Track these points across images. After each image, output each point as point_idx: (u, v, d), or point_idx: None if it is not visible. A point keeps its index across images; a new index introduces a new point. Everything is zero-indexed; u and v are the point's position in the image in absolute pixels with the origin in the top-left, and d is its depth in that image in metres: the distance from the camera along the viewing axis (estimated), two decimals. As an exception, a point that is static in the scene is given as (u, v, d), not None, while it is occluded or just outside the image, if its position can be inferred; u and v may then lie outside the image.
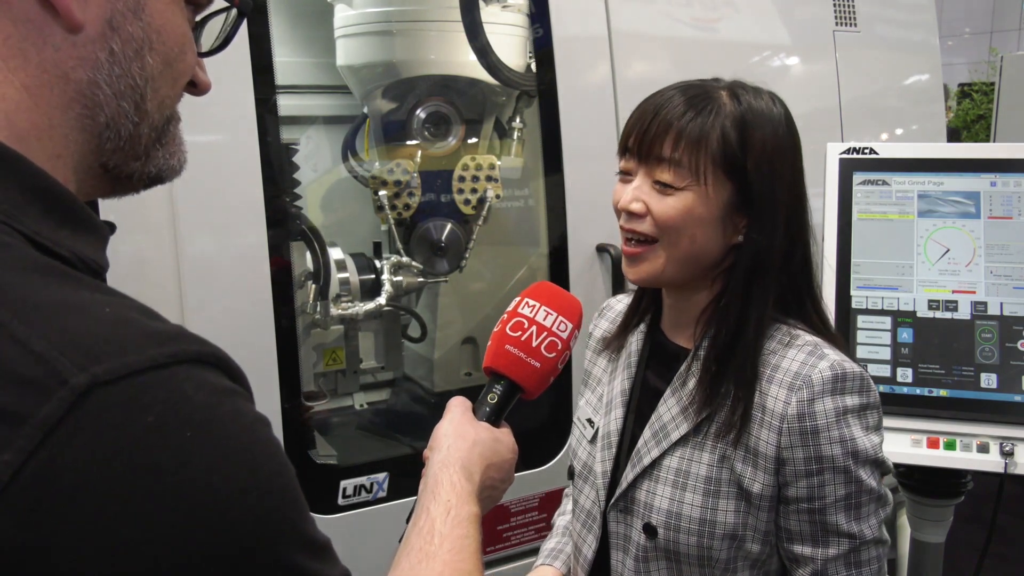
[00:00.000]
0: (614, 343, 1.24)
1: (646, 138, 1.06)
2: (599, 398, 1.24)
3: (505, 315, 0.98)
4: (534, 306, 0.96)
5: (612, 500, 1.15)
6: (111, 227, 0.61)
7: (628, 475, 1.13)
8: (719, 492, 1.06)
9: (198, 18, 0.67)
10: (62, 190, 0.55)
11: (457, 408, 0.93)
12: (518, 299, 0.98)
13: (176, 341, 0.49)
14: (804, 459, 1.02)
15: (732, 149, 1.04)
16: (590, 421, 1.23)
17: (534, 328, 0.95)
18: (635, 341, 1.22)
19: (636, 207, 1.07)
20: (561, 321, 0.96)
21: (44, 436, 0.41)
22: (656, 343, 1.20)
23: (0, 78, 0.54)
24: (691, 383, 1.10)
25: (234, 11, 0.70)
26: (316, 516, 1.89)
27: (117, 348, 0.46)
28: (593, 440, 1.21)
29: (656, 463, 1.10)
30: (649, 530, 1.09)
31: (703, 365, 1.08)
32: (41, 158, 0.55)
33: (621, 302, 1.32)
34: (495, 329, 0.97)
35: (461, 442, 0.87)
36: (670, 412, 1.11)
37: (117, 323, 0.48)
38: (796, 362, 1.05)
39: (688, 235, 1.06)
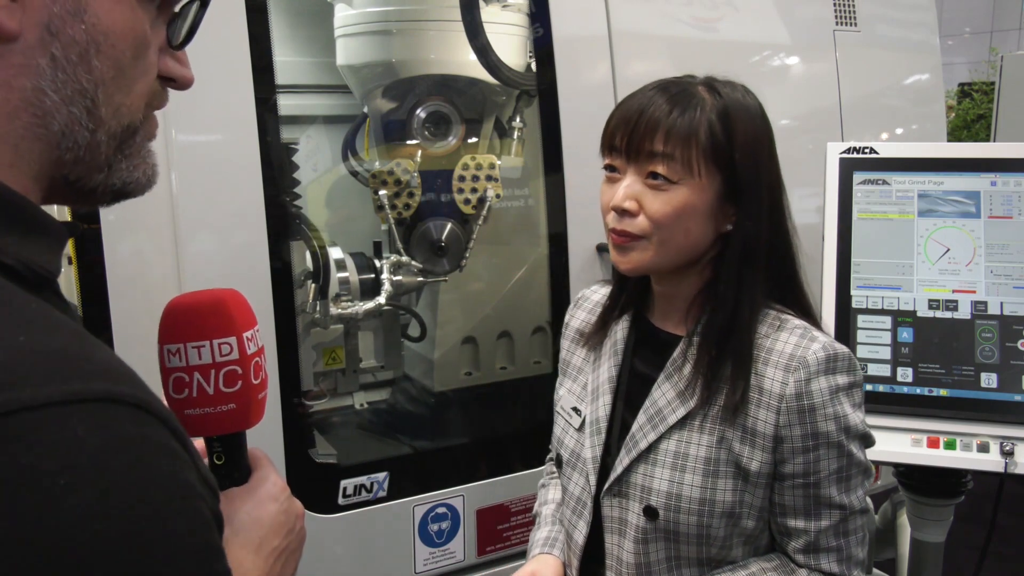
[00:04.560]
0: (596, 333, 1.26)
1: (635, 136, 1.08)
2: (583, 387, 1.26)
3: (161, 374, 0.78)
4: (177, 350, 0.75)
5: (607, 485, 1.17)
6: (73, 228, 0.59)
7: (623, 460, 1.15)
8: (718, 472, 1.09)
9: (177, 8, 0.65)
10: (9, 193, 0.53)
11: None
12: (158, 348, 0.77)
13: (87, 378, 0.46)
14: (801, 436, 1.07)
15: (719, 141, 1.07)
16: (576, 409, 1.25)
17: (196, 375, 0.75)
18: (620, 329, 1.24)
19: (629, 205, 1.09)
20: (220, 344, 0.76)
21: None
22: (643, 331, 1.23)
23: None
24: (686, 368, 1.12)
25: (196, 2, 0.67)
26: (316, 516, 1.88)
27: (15, 381, 0.43)
28: (581, 428, 1.23)
29: (652, 447, 1.13)
30: (650, 512, 1.11)
31: (701, 349, 1.11)
32: None
33: (597, 292, 1.34)
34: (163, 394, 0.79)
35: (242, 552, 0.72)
36: (665, 397, 1.14)
37: (27, 354, 0.46)
38: (789, 344, 1.09)
39: (682, 229, 1.09)
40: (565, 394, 1.29)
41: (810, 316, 1.16)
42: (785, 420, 1.07)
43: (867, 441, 1.12)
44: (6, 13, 0.52)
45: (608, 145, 1.12)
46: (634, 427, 1.15)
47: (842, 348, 1.11)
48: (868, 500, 1.12)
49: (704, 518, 1.09)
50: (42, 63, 0.55)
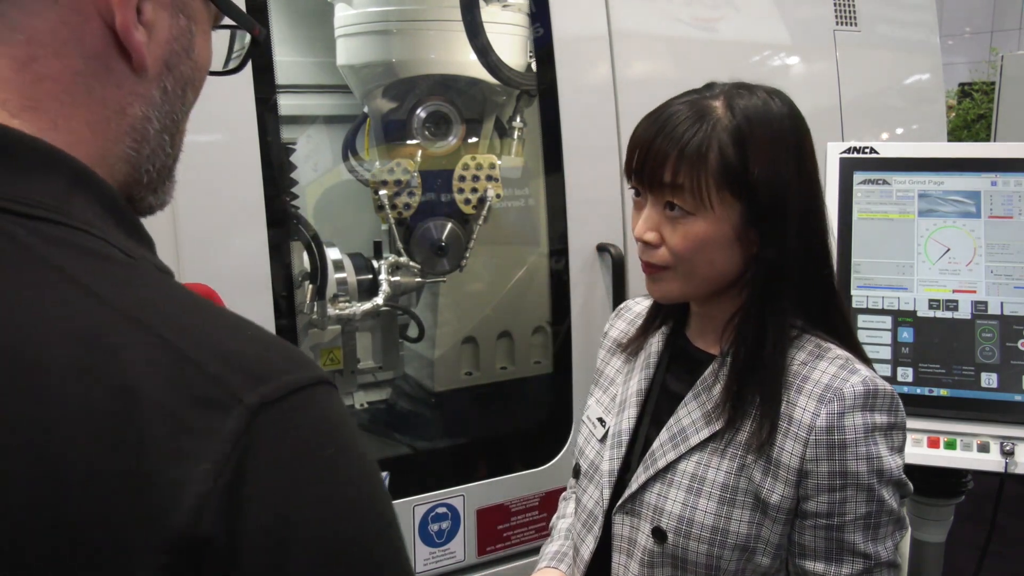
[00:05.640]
0: (632, 345, 1.23)
1: (647, 164, 1.04)
2: (612, 398, 1.23)
3: None
4: None
5: (620, 501, 1.13)
6: None
7: (639, 477, 1.11)
8: (735, 501, 1.04)
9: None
10: (126, 205, 0.59)
11: None
12: None
13: (310, 364, 0.54)
14: (828, 473, 1.00)
15: (732, 165, 1.01)
16: (601, 420, 1.22)
17: None
18: (655, 343, 1.20)
19: (650, 237, 1.06)
20: None
21: (232, 447, 0.47)
22: (678, 347, 1.19)
23: (67, 113, 0.56)
24: (716, 389, 1.08)
25: (248, 36, 0.72)
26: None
27: (273, 369, 0.51)
28: (603, 439, 1.19)
29: (671, 467, 1.09)
30: (658, 534, 1.07)
31: (729, 375, 1.07)
32: None
33: (640, 304, 1.31)
34: None
35: None
36: (690, 416, 1.10)
37: (264, 344, 0.54)
38: (827, 374, 1.03)
39: (705, 260, 1.05)
40: (593, 404, 1.26)
41: (854, 347, 1.09)
42: (812, 454, 1.00)
43: (903, 490, 1.05)
44: (147, 49, 0.58)
45: (627, 169, 1.08)
46: (655, 444, 1.11)
47: (885, 385, 1.04)
48: (898, 555, 1.06)
49: (715, 548, 1.03)
50: (155, 94, 0.60)
